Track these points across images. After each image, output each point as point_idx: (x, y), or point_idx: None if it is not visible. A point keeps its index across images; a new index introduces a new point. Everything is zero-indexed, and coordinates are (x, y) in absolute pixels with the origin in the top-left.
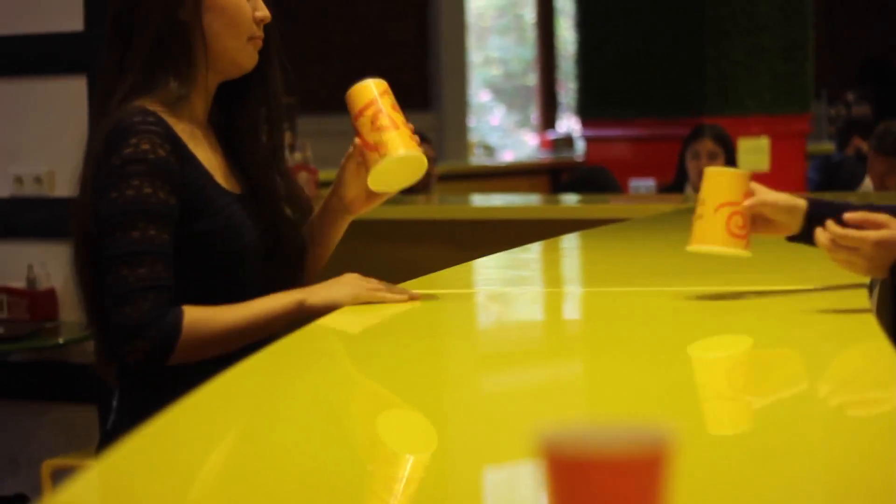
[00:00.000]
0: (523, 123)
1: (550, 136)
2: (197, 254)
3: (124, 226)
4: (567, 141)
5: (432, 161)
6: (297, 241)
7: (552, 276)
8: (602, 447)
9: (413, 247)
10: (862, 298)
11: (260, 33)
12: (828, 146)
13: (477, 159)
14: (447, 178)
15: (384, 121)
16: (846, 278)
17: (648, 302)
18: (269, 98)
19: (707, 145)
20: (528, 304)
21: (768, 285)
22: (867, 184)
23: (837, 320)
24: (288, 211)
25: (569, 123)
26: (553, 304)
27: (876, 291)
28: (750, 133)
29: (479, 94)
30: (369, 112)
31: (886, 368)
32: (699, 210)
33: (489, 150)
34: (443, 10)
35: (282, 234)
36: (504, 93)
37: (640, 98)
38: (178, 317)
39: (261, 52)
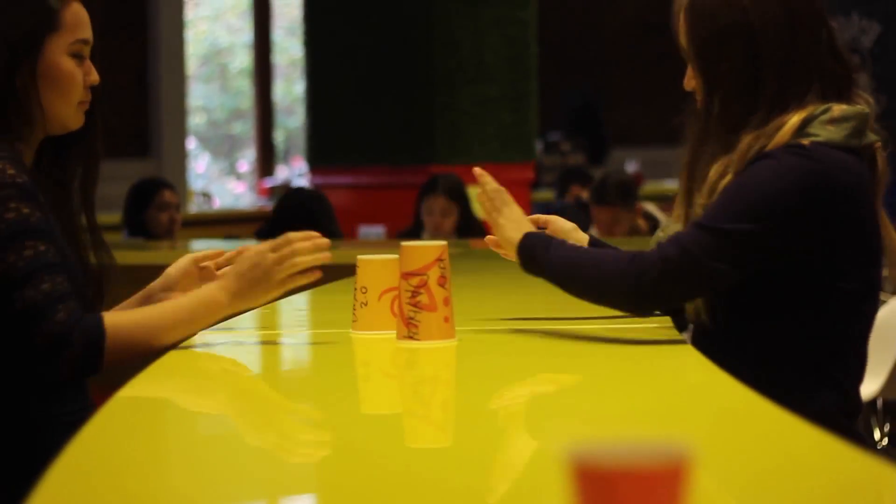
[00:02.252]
0: (228, 171)
1: (268, 183)
2: None
3: (15, 248)
4: (285, 188)
5: (176, 208)
6: (101, 291)
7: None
8: (630, 461)
9: None
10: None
11: (88, 97)
12: (547, 194)
13: (197, 206)
14: None
15: (425, 299)
16: None
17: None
18: (89, 155)
19: (440, 202)
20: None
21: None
22: (593, 232)
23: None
24: (93, 258)
25: (286, 170)
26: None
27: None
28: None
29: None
30: (415, 281)
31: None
32: (362, 298)
33: (208, 197)
34: (161, 57)
35: (91, 282)
36: (209, 141)
37: (370, 146)
38: (98, 319)
39: (86, 112)
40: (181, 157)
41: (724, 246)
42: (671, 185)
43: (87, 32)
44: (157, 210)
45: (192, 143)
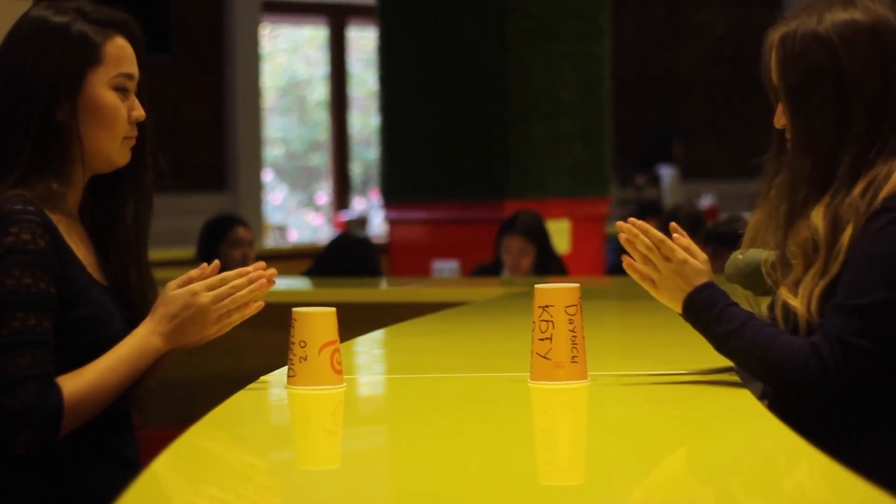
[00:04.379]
0: (306, 203)
1: (344, 217)
2: (68, 342)
3: (3, 316)
4: (361, 222)
5: (249, 244)
6: None
7: (438, 361)
8: None
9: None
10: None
11: (134, 132)
12: None
13: (274, 241)
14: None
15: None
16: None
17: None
18: (139, 193)
19: (517, 242)
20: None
21: (634, 370)
22: None
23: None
24: (140, 295)
25: (362, 204)
26: (445, 389)
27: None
28: (551, 215)
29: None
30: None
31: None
32: (301, 352)
33: (283, 231)
34: (237, 91)
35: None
36: (286, 173)
37: (444, 180)
38: (59, 397)
39: (134, 149)
40: (257, 190)
41: (883, 323)
42: (747, 217)
43: (130, 67)
44: (231, 246)
45: (269, 176)
